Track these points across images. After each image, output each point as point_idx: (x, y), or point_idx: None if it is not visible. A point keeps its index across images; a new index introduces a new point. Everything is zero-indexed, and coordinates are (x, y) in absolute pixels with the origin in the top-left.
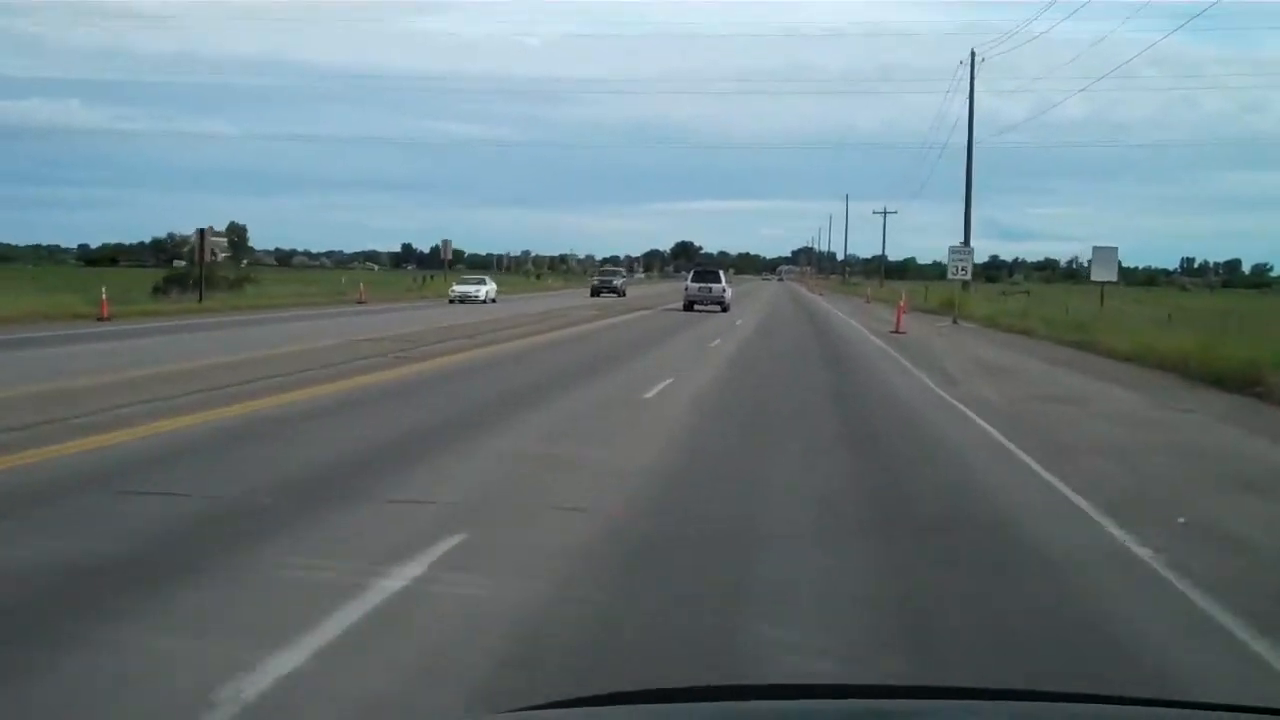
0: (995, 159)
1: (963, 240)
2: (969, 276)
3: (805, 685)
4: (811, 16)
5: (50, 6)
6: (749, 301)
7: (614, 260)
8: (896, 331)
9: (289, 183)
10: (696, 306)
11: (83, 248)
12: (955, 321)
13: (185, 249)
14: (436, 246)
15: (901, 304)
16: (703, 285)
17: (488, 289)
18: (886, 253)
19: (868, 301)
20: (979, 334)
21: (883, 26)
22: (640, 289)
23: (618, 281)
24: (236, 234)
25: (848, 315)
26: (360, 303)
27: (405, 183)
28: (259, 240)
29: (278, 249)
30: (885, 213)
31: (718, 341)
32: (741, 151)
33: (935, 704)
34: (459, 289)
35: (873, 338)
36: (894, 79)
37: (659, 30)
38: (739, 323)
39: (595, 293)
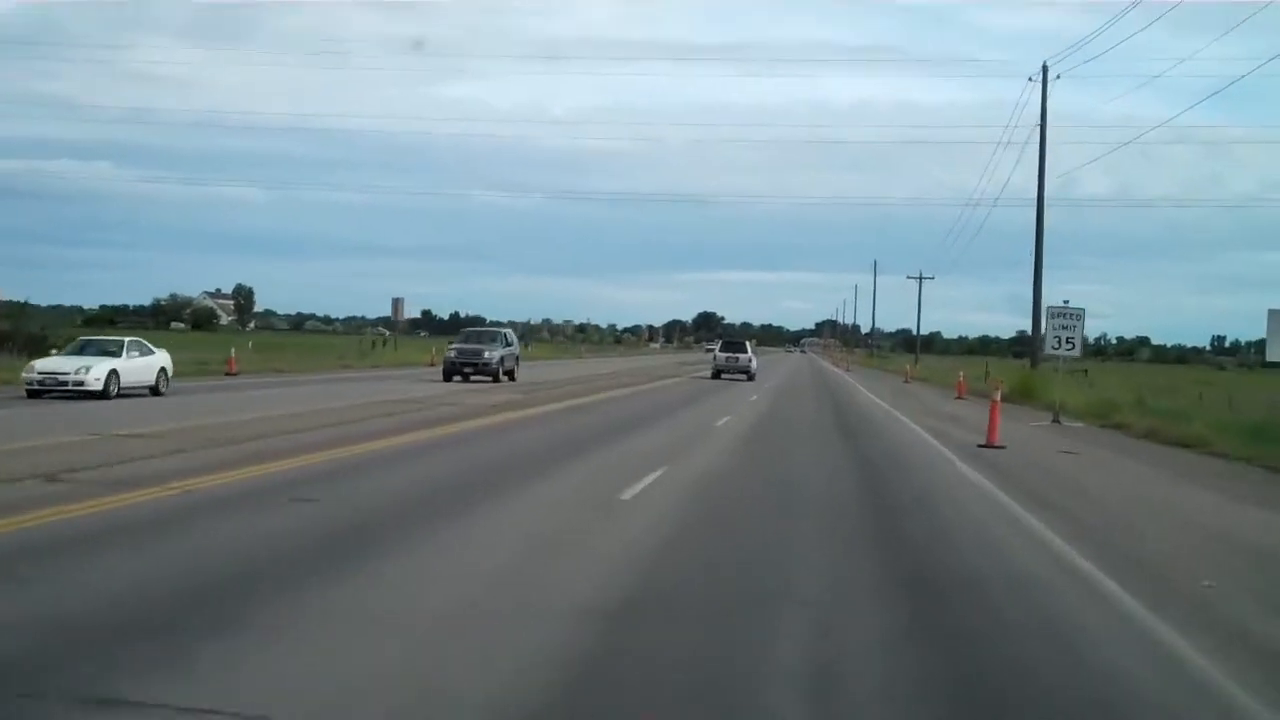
0: (1018, 235)
1: (1035, 314)
2: (1078, 352)
3: None
4: (838, 91)
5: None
6: (754, 388)
7: (634, 330)
8: (990, 445)
9: (314, 248)
10: (724, 375)
11: (104, 308)
12: (1057, 420)
13: (187, 311)
14: (456, 313)
15: (961, 382)
16: (730, 355)
17: (110, 367)
18: (909, 326)
19: (907, 381)
20: (1120, 446)
21: (909, 103)
22: (636, 362)
23: (491, 354)
24: (242, 296)
25: (890, 404)
26: (229, 374)
27: (431, 250)
28: (282, 305)
29: (299, 313)
30: (921, 278)
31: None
32: (766, 223)
33: None
34: (43, 366)
35: (957, 461)
36: (920, 154)
37: (684, 102)
38: (720, 422)
39: (447, 375)
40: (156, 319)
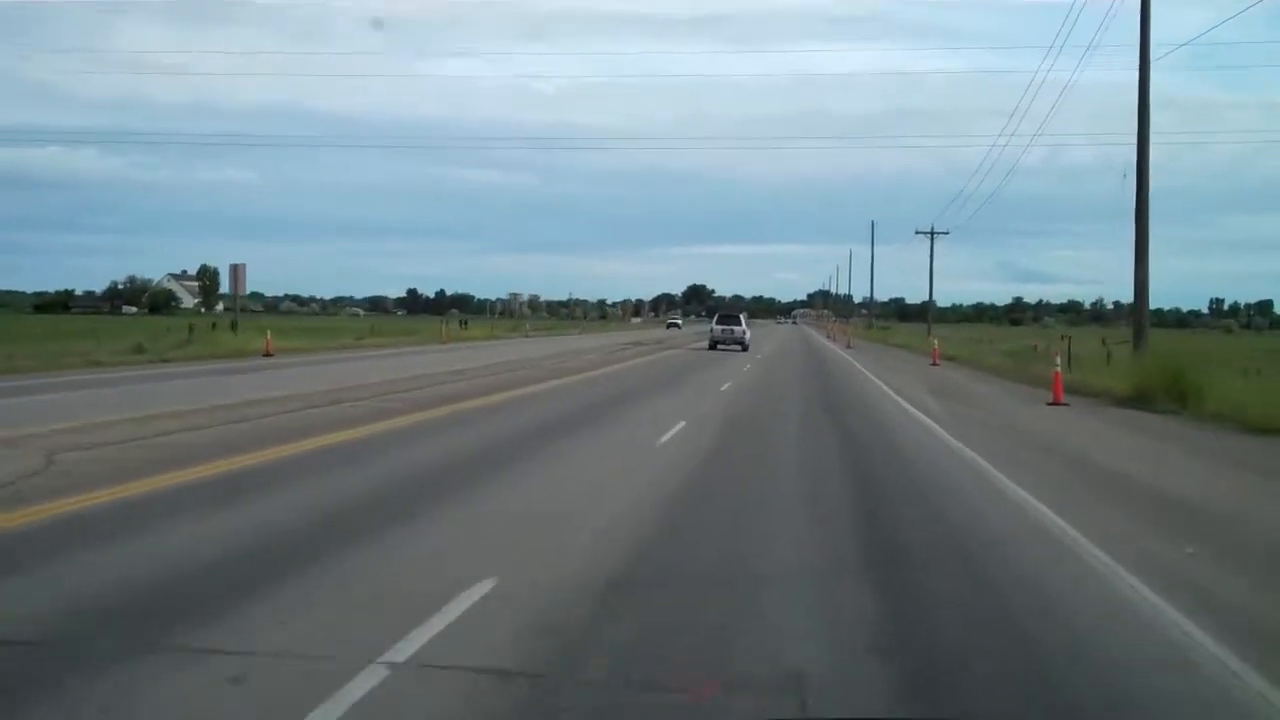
0: (1012, 202)
1: (1140, 276)
2: None
3: None
4: (825, 63)
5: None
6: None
7: (622, 304)
8: None
9: (302, 229)
10: (719, 346)
11: (88, 294)
12: None
13: (144, 296)
14: (441, 291)
15: (1057, 376)
16: (725, 327)
17: None
18: (902, 295)
19: (935, 363)
20: None
21: (897, 73)
22: (607, 338)
23: None
24: (208, 278)
25: (951, 419)
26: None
27: (420, 229)
28: (270, 286)
29: (287, 295)
30: (933, 233)
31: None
32: (756, 196)
33: None
34: None
35: None
36: (908, 124)
37: (672, 78)
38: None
39: None
40: (112, 304)
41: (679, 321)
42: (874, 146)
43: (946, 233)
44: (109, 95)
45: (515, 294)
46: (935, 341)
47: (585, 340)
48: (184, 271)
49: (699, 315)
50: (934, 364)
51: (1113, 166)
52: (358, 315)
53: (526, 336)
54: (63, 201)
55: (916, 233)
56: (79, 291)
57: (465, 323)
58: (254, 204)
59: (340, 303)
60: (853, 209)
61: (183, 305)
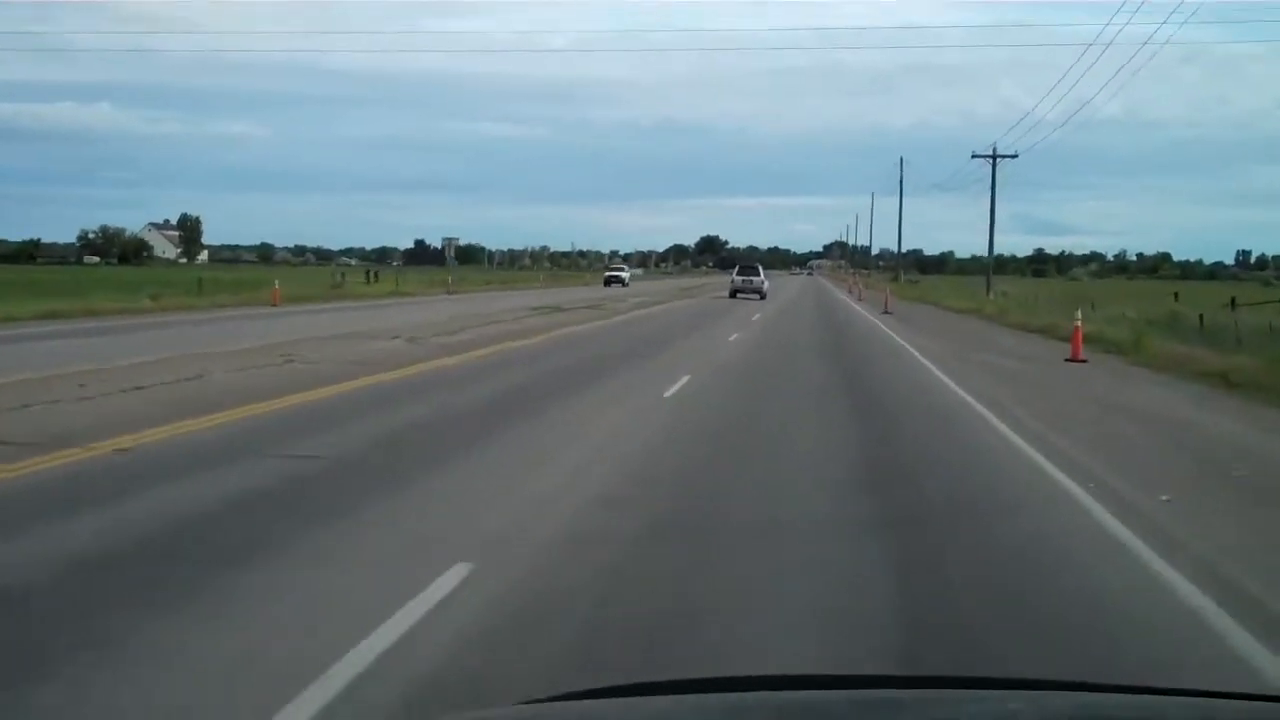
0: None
1: None
2: None
3: (807, 676)
4: (840, 15)
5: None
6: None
7: (625, 257)
8: None
9: (315, 182)
10: (739, 295)
11: (26, 243)
12: None
13: (115, 246)
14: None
15: None
16: (745, 278)
17: None
18: (920, 247)
19: (1078, 359)
20: None
21: (912, 25)
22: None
23: None
24: (188, 227)
25: None
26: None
27: (433, 182)
28: (279, 238)
29: (299, 245)
30: (995, 156)
31: None
32: (771, 147)
33: (939, 693)
34: None
35: None
36: (924, 77)
37: (685, 29)
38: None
39: None
40: (81, 254)
41: (624, 274)
42: (889, 98)
43: (1014, 155)
44: (119, 49)
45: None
46: (1078, 316)
47: (519, 298)
48: (166, 221)
49: (709, 266)
50: (1076, 360)
51: (1134, 119)
52: (349, 265)
53: (449, 293)
54: (63, 153)
55: (974, 156)
56: (46, 240)
57: (375, 275)
58: (260, 159)
59: (349, 253)
60: (870, 159)
61: (160, 255)
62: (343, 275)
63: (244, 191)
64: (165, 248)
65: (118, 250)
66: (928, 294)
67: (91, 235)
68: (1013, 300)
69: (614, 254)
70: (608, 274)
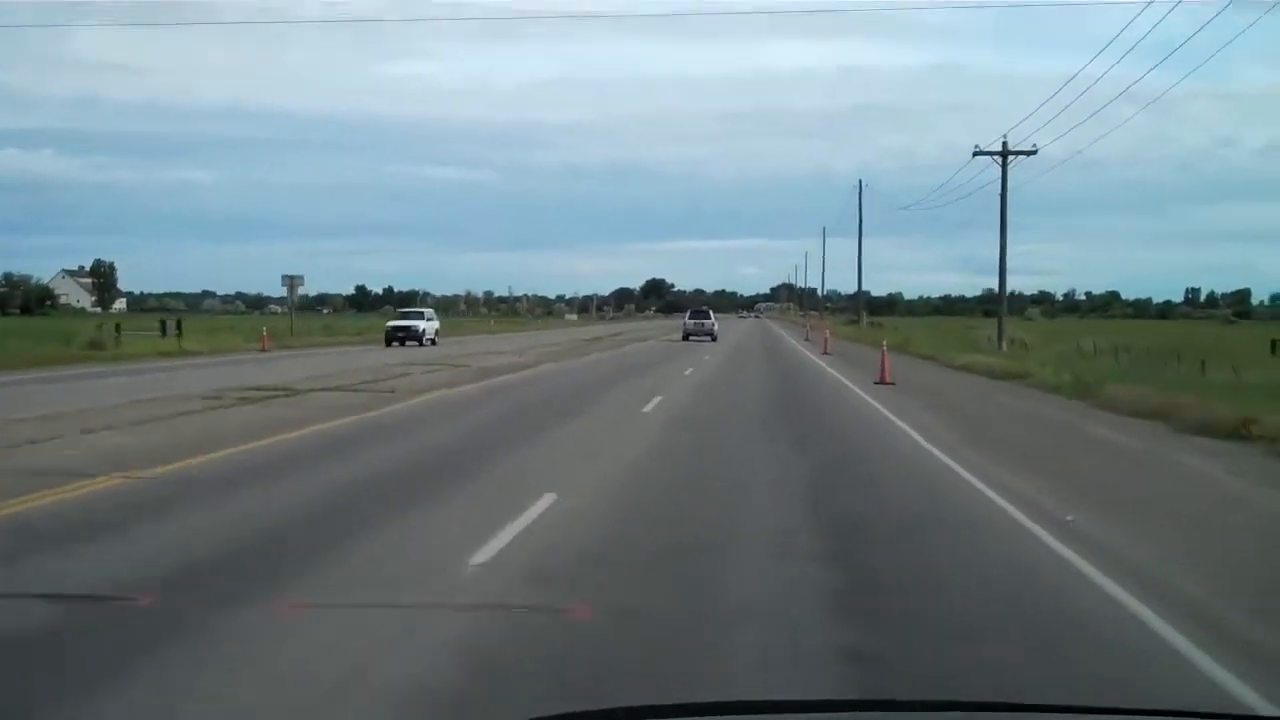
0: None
1: None
2: None
3: (781, 701)
4: (783, 59)
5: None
6: None
7: (568, 301)
8: None
9: (261, 229)
10: (691, 337)
11: None
12: None
13: (18, 294)
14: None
15: None
16: (697, 321)
17: None
18: (868, 289)
19: None
20: None
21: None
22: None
23: None
24: (101, 275)
25: None
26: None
27: (376, 227)
28: (223, 285)
29: (239, 293)
30: (1005, 153)
31: None
32: (718, 192)
33: (909, 716)
34: None
35: None
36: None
37: (630, 74)
38: None
39: None
40: None
41: (420, 325)
42: (833, 141)
43: (1033, 150)
44: (64, 96)
45: (488, 292)
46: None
47: (336, 361)
48: (81, 268)
49: (653, 311)
50: None
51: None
52: (276, 313)
53: (263, 351)
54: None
55: (977, 154)
56: None
57: (178, 324)
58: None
59: (305, 300)
60: (817, 200)
61: (70, 303)
62: (117, 327)
63: (181, 238)
64: (79, 296)
65: (19, 299)
66: (904, 341)
67: None
68: (1033, 350)
69: (560, 298)
70: (391, 325)
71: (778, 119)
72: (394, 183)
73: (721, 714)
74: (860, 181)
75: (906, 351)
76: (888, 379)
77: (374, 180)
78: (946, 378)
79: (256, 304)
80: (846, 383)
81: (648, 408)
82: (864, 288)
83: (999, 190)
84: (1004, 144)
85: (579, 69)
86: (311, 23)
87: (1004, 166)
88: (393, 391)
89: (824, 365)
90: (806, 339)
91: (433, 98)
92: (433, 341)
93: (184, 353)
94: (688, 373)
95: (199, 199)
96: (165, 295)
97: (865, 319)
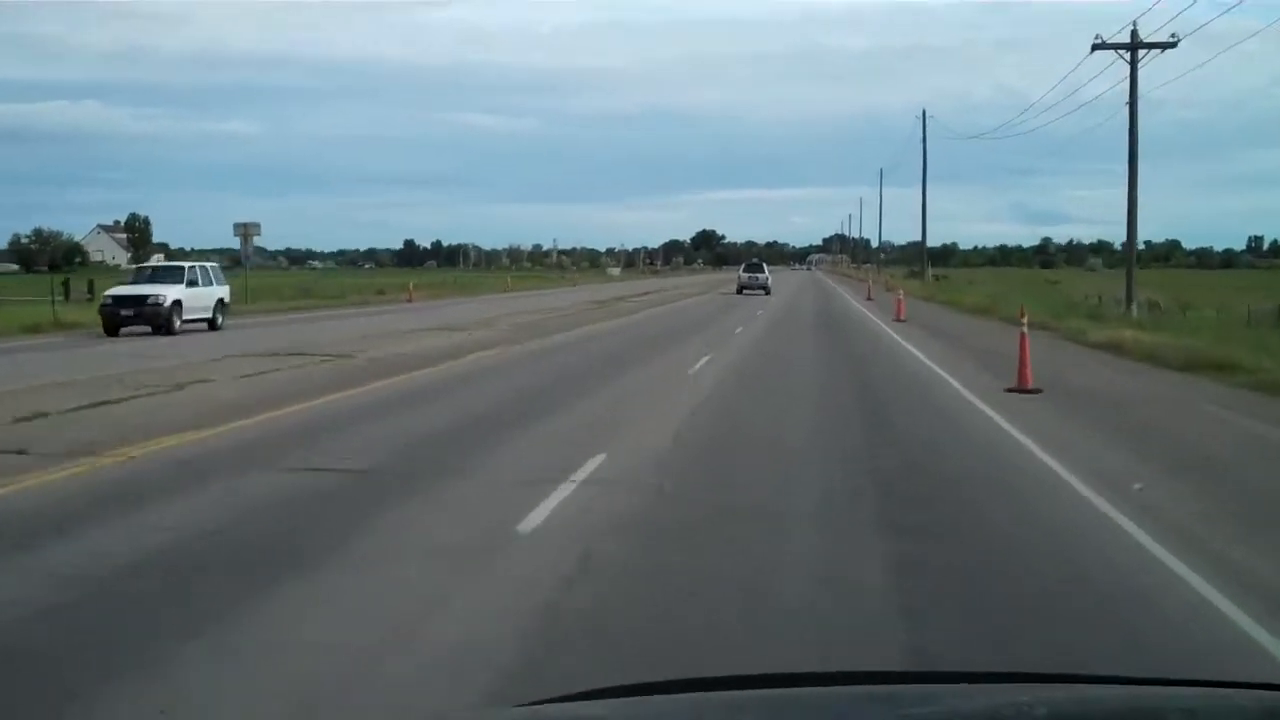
0: (1021, 142)
1: None
2: None
3: (803, 674)
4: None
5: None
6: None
7: (637, 252)
8: None
9: (303, 181)
10: (745, 291)
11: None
12: None
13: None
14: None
15: None
16: (751, 275)
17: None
18: (918, 239)
19: None
20: None
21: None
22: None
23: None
24: (136, 229)
25: None
26: None
27: (422, 179)
28: (270, 240)
29: (289, 249)
30: (1136, 46)
31: None
32: (767, 138)
33: (940, 688)
34: None
35: None
36: (916, 59)
37: (673, 17)
38: None
39: None
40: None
41: (148, 294)
42: (884, 84)
43: (1173, 42)
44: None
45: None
46: None
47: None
48: (116, 222)
49: (701, 263)
50: None
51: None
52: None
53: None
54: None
55: (1096, 48)
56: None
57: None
58: (251, 157)
59: (344, 256)
60: (866, 149)
61: (104, 261)
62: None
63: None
64: (115, 252)
65: (46, 257)
66: (989, 301)
67: (25, 239)
68: (1170, 314)
69: (610, 250)
70: (112, 296)
71: (826, 61)
72: (438, 132)
73: (724, 689)
74: (924, 112)
75: (998, 316)
76: (1028, 381)
77: (418, 131)
78: (1108, 371)
79: (297, 259)
80: (958, 387)
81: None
82: (916, 238)
83: (1117, 101)
84: (1133, 34)
85: (619, 12)
86: None
87: (1133, 64)
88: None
89: (908, 346)
90: (869, 297)
91: (470, 44)
92: (211, 324)
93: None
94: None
95: (241, 150)
96: (207, 250)
97: (930, 272)
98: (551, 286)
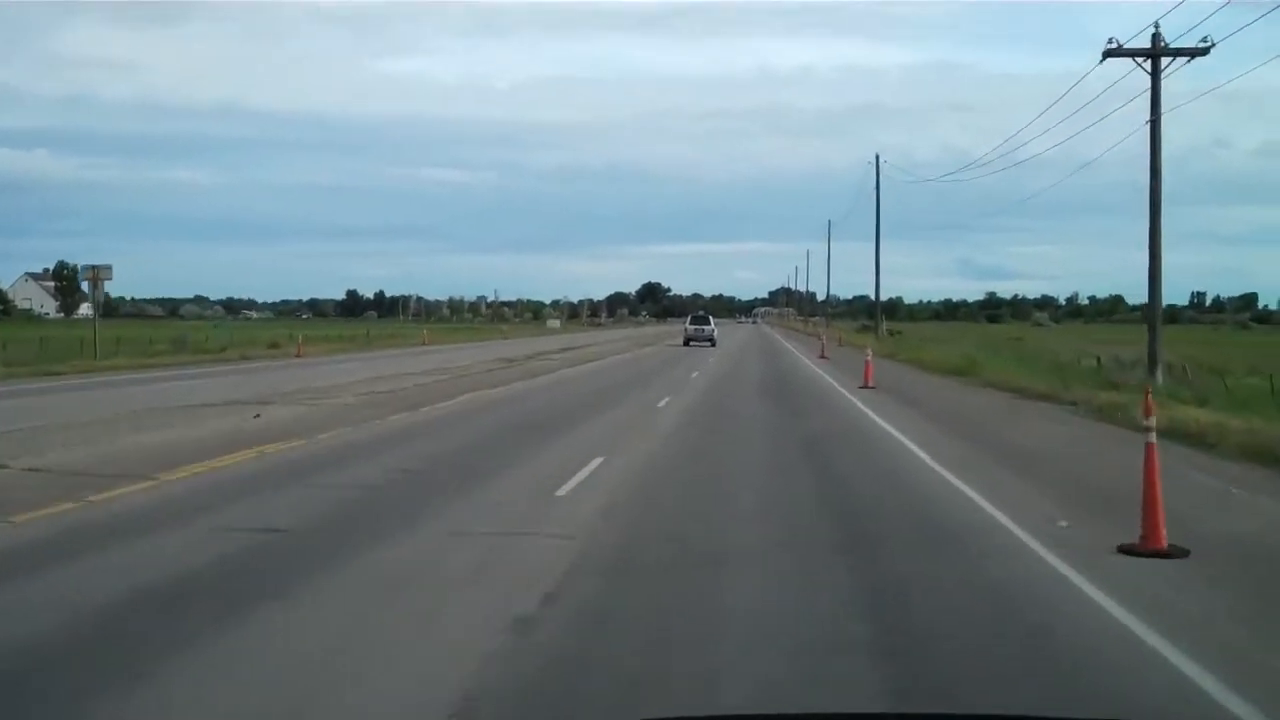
0: (966, 198)
1: None
2: None
3: (775, 715)
4: (782, 58)
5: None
6: None
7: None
8: None
9: (255, 231)
10: (692, 342)
11: None
12: None
13: None
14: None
15: None
16: (697, 327)
17: None
18: (865, 293)
19: None
20: None
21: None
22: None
23: None
24: (65, 278)
25: None
26: None
27: (373, 230)
28: (212, 290)
29: (230, 298)
30: (1160, 54)
31: None
32: (715, 193)
33: None
34: None
35: None
36: (866, 118)
37: (628, 73)
38: None
39: None
40: None
41: None
42: (832, 141)
43: (1206, 47)
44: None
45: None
46: None
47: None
48: (45, 270)
49: (645, 316)
50: None
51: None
52: (250, 318)
53: None
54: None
55: (1108, 54)
56: None
57: None
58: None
59: (286, 305)
60: (813, 206)
61: (30, 309)
62: None
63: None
64: (44, 300)
65: None
66: (964, 362)
67: None
68: (1203, 377)
69: (555, 303)
70: None
71: (777, 118)
72: (389, 184)
73: None
74: (878, 156)
75: (982, 380)
76: (1159, 538)
77: (369, 182)
78: (1243, 494)
79: (233, 309)
80: (1035, 548)
81: None
82: (865, 292)
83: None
84: (1155, 36)
85: (574, 69)
86: (305, 18)
87: (1155, 73)
88: None
89: (911, 447)
90: (823, 355)
91: (429, 95)
92: None
93: None
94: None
95: (189, 200)
96: (145, 300)
97: (884, 326)
98: (481, 338)
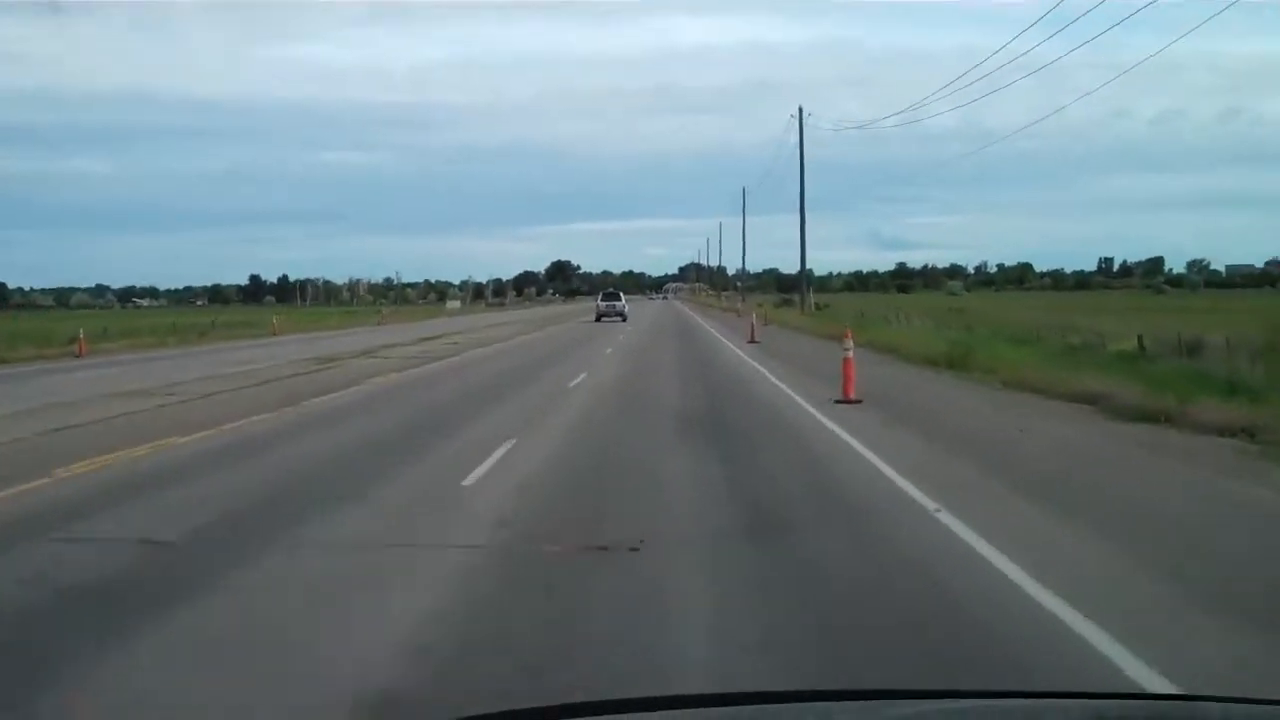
0: (869, 170)
1: None
2: None
3: (745, 694)
4: (680, 36)
5: None
6: None
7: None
8: None
9: (156, 219)
10: (603, 319)
11: None
12: None
13: None
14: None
15: None
16: (609, 304)
17: None
18: (775, 266)
19: None
20: None
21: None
22: None
23: None
24: None
25: None
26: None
27: (278, 214)
28: (117, 279)
29: (130, 286)
30: None
31: None
32: (622, 171)
33: (804, 707)
34: None
35: None
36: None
37: (527, 52)
38: None
39: None
40: None
41: None
42: (734, 118)
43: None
44: None
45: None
46: None
47: None
48: None
49: (551, 294)
50: None
51: (972, 130)
52: (140, 306)
53: None
54: None
55: None
56: None
57: None
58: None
59: (186, 293)
60: (719, 182)
61: None
62: None
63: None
64: None
65: None
66: (962, 349)
67: None
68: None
69: (465, 283)
70: None
71: (678, 96)
72: (294, 168)
73: (660, 709)
74: (800, 109)
75: (977, 371)
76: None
77: (274, 167)
78: None
79: (126, 297)
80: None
81: None
82: (772, 265)
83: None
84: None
85: (472, 50)
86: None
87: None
88: None
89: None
90: (752, 339)
91: (324, 81)
92: None
93: None
94: None
95: (88, 190)
96: (36, 291)
97: (811, 300)
98: (352, 325)
